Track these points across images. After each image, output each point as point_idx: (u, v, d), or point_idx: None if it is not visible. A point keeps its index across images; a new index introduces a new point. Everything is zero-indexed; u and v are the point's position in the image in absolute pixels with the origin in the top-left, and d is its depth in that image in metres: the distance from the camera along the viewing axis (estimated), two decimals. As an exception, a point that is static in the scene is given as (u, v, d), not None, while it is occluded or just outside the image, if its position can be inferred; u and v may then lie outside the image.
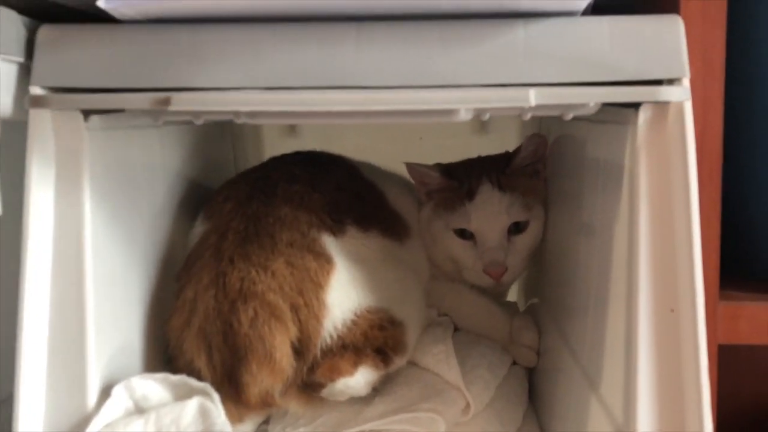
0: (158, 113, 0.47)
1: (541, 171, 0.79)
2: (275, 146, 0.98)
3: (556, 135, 0.78)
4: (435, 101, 0.45)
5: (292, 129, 1.00)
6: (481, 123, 1.01)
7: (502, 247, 0.75)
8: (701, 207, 0.48)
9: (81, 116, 0.50)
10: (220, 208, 0.65)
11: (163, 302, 0.63)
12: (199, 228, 0.67)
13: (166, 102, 0.43)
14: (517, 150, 0.79)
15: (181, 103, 0.43)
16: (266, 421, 0.67)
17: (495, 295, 0.82)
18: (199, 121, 0.50)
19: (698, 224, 0.48)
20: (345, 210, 0.67)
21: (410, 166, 0.79)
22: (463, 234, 0.76)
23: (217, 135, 0.87)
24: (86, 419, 0.48)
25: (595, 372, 0.57)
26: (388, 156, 0.84)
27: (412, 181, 0.82)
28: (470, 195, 0.76)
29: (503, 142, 0.95)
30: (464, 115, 0.46)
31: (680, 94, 0.46)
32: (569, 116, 0.51)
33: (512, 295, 0.93)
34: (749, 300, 0.54)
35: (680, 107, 0.48)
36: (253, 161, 0.97)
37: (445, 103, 0.45)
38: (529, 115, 0.50)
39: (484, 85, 0.47)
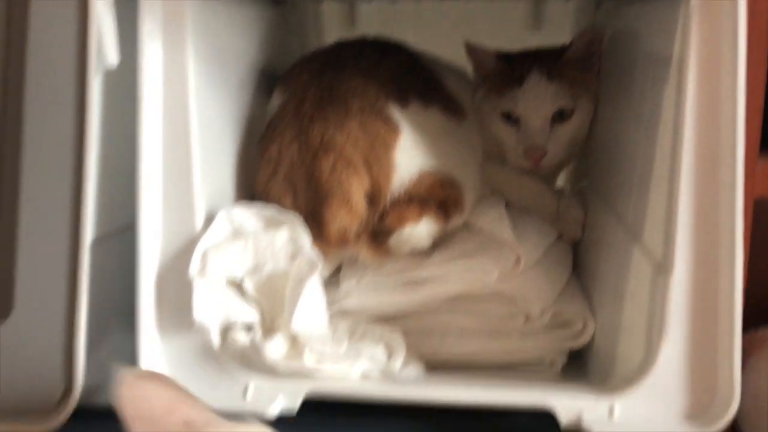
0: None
1: (595, 64, 0.83)
2: (335, 36, 1.03)
3: (611, 31, 0.81)
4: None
5: (351, 19, 1.04)
6: (534, 18, 1.04)
7: (544, 132, 0.80)
8: (748, 77, 0.52)
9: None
10: (296, 80, 0.72)
11: (246, 163, 0.71)
12: (276, 100, 0.74)
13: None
14: (571, 42, 0.82)
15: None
16: (338, 271, 0.76)
17: (543, 180, 0.88)
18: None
19: (744, 91, 0.52)
20: (408, 86, 0.73)
21: (469, 46, 0.83)
22: (510, 118, 0.81)
23: (283, 24, 0.92)
24: (195, 239, 0.56)
25: (639, 226, 0.63)
26: (442, 51, 0.89)
27: (468, 69, 0.87)
28: (520, 80, 0.81)
29: (557, 37, 0.98)
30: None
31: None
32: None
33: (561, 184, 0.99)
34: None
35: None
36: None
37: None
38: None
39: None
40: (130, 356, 0.58)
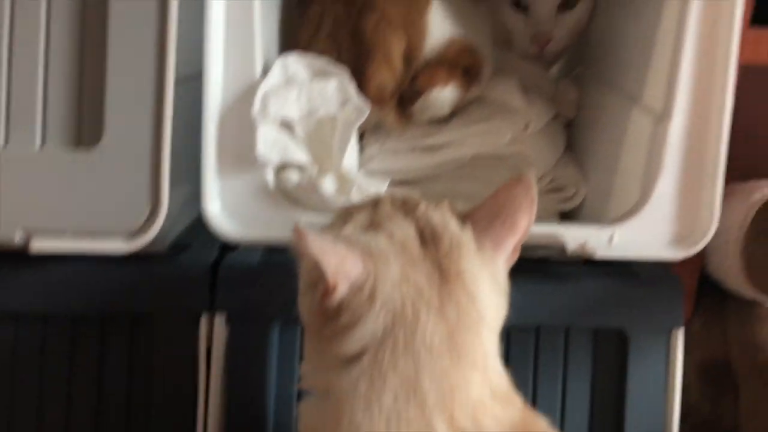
0: None
1: None
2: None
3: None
4: None
5: None
6: None
7: (550, 20, 0.87)
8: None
9: None
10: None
11: (287, 20, 0.76)
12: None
13: None
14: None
15: None
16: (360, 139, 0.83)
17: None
18: None
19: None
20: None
21: None
22: (519, 4, 0.88)
23: None
24: (254, 84, 0.62)
25: (639, 89, 0.71)
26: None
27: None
28: None
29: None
30: None
31: None
32: None
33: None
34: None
35: None
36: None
37: None
38: None
39: None
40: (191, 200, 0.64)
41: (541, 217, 0.80)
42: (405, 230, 0.48)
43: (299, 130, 0.65)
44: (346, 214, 0.51)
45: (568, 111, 0.91)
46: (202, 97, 0.61)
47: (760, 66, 0.67)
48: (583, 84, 0.93)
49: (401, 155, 0.80)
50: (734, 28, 0.61)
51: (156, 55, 0.56)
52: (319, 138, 0.66)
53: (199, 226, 0.65)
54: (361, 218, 0.50)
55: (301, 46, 0.73)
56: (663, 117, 0.64)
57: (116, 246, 0.59)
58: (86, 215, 0.59)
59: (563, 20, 0.87)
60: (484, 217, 0.50)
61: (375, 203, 0.52)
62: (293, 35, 0.75)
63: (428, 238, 0.48)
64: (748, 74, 0.69)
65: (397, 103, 0.76)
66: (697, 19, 0.61)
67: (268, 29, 0.69)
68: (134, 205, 0.58)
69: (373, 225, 0.49)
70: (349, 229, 0.49)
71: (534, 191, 0.50)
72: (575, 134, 0.92)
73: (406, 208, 0.51)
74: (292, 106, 0.63)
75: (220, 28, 0.61)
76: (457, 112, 0.80)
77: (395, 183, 0.80)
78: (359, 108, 0.64)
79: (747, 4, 0.64)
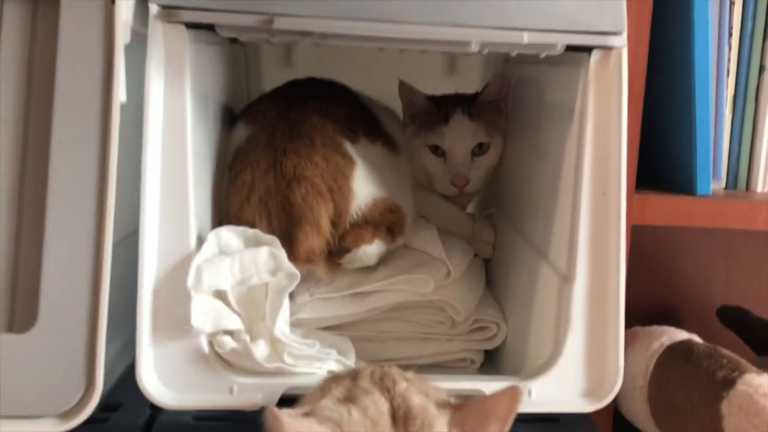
0: (257, 31, 0.63)
1: (503, 108, 0.99)
2: (272, 74, 1.14)
3: (517, 77, 0.98)
4: (456, 34, 0.64)
5: (287, 59, 1.15)
6: (450, 66, 1.21)
7: (466, 164, 0.96)
8: (628, 125, 0.70)
9: (185, 29, 0.65)
10: (264, 115, 0.82)
11: (218, 187, 0.80)
12: (241, 132, 0.84)
13: (270, 22, 0.60)
14: (485, 87, 0.99)
15: (282, 23, 0.60)
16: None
17: (459, 206, 1.03)
18: (274, 39, 0.66)
19: (626, 137, 0.69)
20: (357, 124, 0.86)
21: (402, 84, 0.98)
22: (437, 151, 0.96)
23: (234, 63, 1.02)
24: (190, 255, 0.65)
25: (545, 245, 0.79)
26: (371, 90, 1.02)
27: (397, 107, 1.01)
28: (445, 119, 0.96)
29: (468, 83, 1.15)
30: (474, 47, 0.65)
31: (620, 42, 0.67)
32: (543, 54, 0.71)
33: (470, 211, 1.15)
34: (655, 194, 0.77)
35: (619, 53, 0.68)
36: (255, 85, 1.13)
37: (463, 36, 0.64)
38: (515, 52, 0.69)
39: (489, 27, 0.66)
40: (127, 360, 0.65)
41: (465, 359, 0.87)
42: (379, 406, 0.50)
43: (232, 297, 0.67)
44: (325, 386, 0.54)
45: (484, 252, 0.98)
46: (138, 269, 0.63)
47: (648, 226, 0.76)
48: (497, 223, 1.01)
49: (332, 303, 0.83)
50: (621, 195, 0.70)
51: (93, 255, 0.58)
52: (252, 304, 0.68)
53: (129, 378, 0.65)
54: (338, 391, 0.52)
55: (233, 211, 0.77)
56: (568, 278, 0.70)
57: (49, 428, 0.58)
58: (19, 397, 0.58)
59: (478, 164, 0.96)
60: (468, 413, 0.52)
61: (354, 375, 0.54)
62: (226, 199, 0.79)
63: (401, 418, 0.50)
64: (639, 233, 0.78)
65: (327, 256, 0.80)
66: (589, 188, 0.70)
67: (202, 198, 0.73)
68: (68, 386, 0.59)
69: (350, 398, 0.51)
70: (325, 402, 0.51)
71: (518, 403, 0.52)
72: (493, 271, 0.98)
73: (384, 384, 0.53)
74: (225, 276, 0.65)
75: (155, 204, 0.64)
76: (383, 260, 0.85)
77: (326, 328, 0.83)
78: (290, 275, 0.67)
79: (630, 171, 0.73)
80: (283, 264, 0.67)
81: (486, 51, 0.69)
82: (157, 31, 0.64)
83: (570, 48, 0.70)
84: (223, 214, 0.79)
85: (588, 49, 0.69)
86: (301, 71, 1.00)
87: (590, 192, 0.70)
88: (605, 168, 0.70)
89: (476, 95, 1.00)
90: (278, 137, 0.78)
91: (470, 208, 1.13)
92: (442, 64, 1.20)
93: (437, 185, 0.98)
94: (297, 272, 0.68)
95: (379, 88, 1.03)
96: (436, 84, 1.16)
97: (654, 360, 0.74)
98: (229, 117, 0.89)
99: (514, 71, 0.99)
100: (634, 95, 0.73)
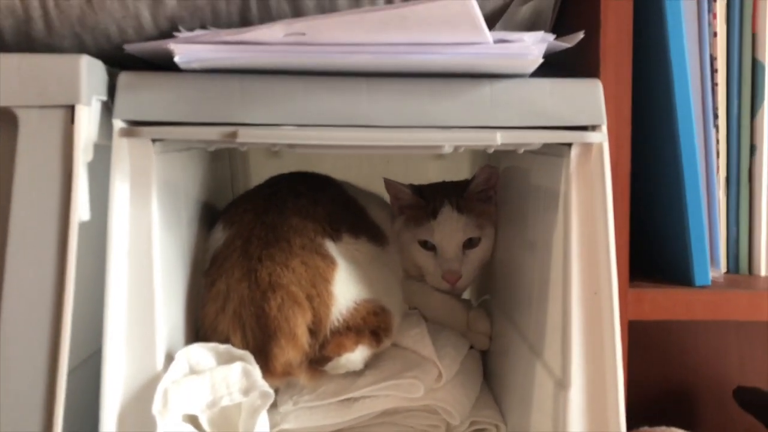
0: (221, 143, 0.61)
1: (492, 197, 0.97)
2: (260, 166, 1.13)
3: (505, 166, 0.96)
4: (427, 139, 0.62)
5: (275, 153, 1.15)
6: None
7: (458, 258, 0.92)
8: (615, 219, 0.67)
9: (150, 143, 0.64)
10: (241, 217, 0.80)
11: (194, 294, 0.77)
12: (219, 234, 0.81)
13: (234, 135, 0.58)
14: (473, 178, 0.97)
15: (246, 136, 0.58)
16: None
17: (453, 295, 0.99)
18: (244, 148, 0.65)
19: (613, 231, 0.66)
20: (340, 220, 0.83)
21: (387, 182, 0.95)
22: (426, 245, 0.93)
23: (217, 158, 1.01)
24: (157, 377, 0.61)
25: (539, 344, 0.74)
26: (359, 178, 1.00)
27: (386, 198, 0.99)
28: (434, 213, 0.93)
29: (457, 168, 1.14)
30: (447, 149, 0.63)
31: (599, 137, 0.65)
32: (521, 150, 0.69)
33: (466, 295, 1.11)
34: (651, 287, 0.73)
35: (600, 146, 0.66)
36: (242, 179, 1.12)
37: (435, 141, 0.62)
38: (492, 150, 0.67)
39: (462, 127, 0.64)
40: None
41: None
42: None
43: (204, 420, 0.63)
44: None
45: (480, 344, 0.94)
46: (100, 394, 0.60)
47: (645, 321, 0.72)
48: (493, 311, 0.97)
49: (317, 412, 0.79)
50: (613, 293, 0.66)
51: (46, 386, 0.55)
52: (226, 425, 0.64)
53: None
54: None
55: (208, 321, 0.74)
56: (564, 384, 0.66)
57: None
58: None
59: (469, 257, 0.93)
60: None
61: None
62: (201, 308, 0.76)
63: None
64: (635, 330, 0.73)
65: (309, 364, 0.76)
66: (579, 286, 0.66)
67: (174, 310, 0.70)
68: None
69: None
70: None
71: None
72: (491, 363, 0.94)
73: None
74: (194, 399, 0.62)
75: (119, 324, 0.61)
76: (370, 363, 0.81)
77: (313, 437, 0.79)
78: (264, 395, 0.64)
79: (621, 264, 0.70)
80: (257, 382, 0.63)
81: (462, 149, 0.67)
82: (121, 147, 0.62)
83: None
84: (198, 324, 0.76)
85: (568, 143, 0.67)
86: (289, 162, 0.99)
87: (580, 291, 0.66)
88: (594, 264, 0.66)
89: (465, 184, 0.97)
90: (254, 243, 0.75)
91: (466, 294, 1.10)
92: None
93: (429, 279, 0.94)
94: (271, 391, 0.64)
95: (369, 174, 1.01)
96: (425, 169, 1.15)
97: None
98: (211, 216, 0.87)
99: (502, 160, 0.98)
100: (620, 186, 0.70)
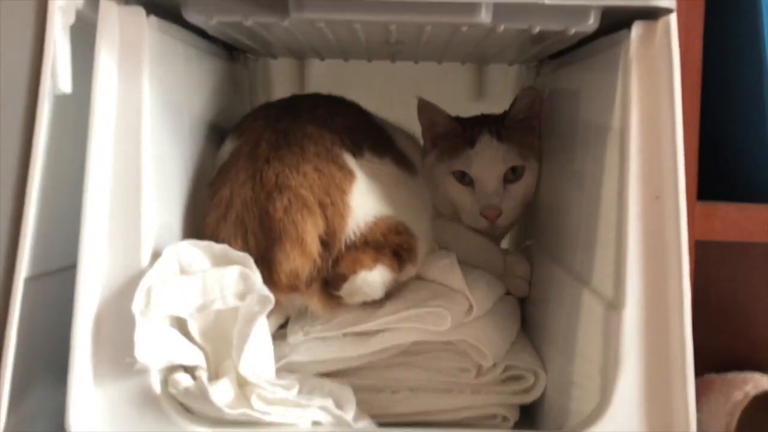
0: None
1: (535, 127, 0.87)
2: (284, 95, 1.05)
3: (549, 90, 0.86)
4: None
5: (300, 79, 1.06)
6: (477, 89, 1.10)
7: (498, 193, 0.82)
8: (684, 116, 0.56)
9: (143, 12, 0.56)
10: (251, 125, 0.72)
11: (197, 204, 0.69)
12: (228, 146, 0.73)
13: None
14: (513, 102, 0.87)
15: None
16: (284, 325, 0.73)
17: (489, 237, 0.89)
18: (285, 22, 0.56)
19: (681, 126, 0.55)
20: (362, 137, 0.74)
21: (422, 103, 0.86)
22: (463, 179, 0.84)
23: (234, 80, 0.93)
24: (141, 274, 0.53)
25: (587, 272, 0.64)
26: (392, 116, 0.91)
27: (417, 132, 0.89)
28: (471, 142, 0.84)
29: (497, 110, 1.04)
30: (485, 15, 0.54)
31: (668, 2, 0.54)
32: (572, 30, 0.58)
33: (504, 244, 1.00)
34: (723, 203, 0.62)
35: (667, 25, 0.56)
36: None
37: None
38: (537, 27, 0.57)
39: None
40: (59, 408, 0.53)
41: (496, 416, 0.71)
42: None
43: (194, 326, 0.55)
44: None
45: (518, 289, 0.84)
46: (75, 289, 0.52)
47: (713, 244, 0.61)
48: (533, 258, 0.86)
49: (330, 343, 0.70)
50: (680, 198, 0.55)
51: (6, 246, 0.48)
52: (220, 337, 0.56)
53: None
54: None
55: (209, 231, 0.66)
56: (615, 305, 0.55)
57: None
58: None
59: (511, 192, 0.83)
60: None
61: None
62: (203, 219, 0.68)
63: None
64: (706, 250, 0.62)
65: (322, 286, 0.67)
66: (638, 190, 0.56)
67: (168, 212, 0.62)
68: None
69: None
70: None
71: None
72: (530, 311, 0.83)
73: None
74: (183, 299, 0.54)
75: (101, 209, 0.54)
76: (392, 293, 0.72)
77: (325, 374, 0.69)
78: (262, 299, 0.55)
79: (690, 174, 0.59)
80: (255, 285, 0.55)
81: (501, 27, 0.57)
82: (109, 11, 0.55)
83: (604, 31, 0.58)
84: (200, 236, 0.68)
85: (628, 24, 0.57)
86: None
87: (639, 194, 0.56)
88: (657, 164, 0.56)
89: (505, 114, 0.88)
90: (262, 147, 0.67)
91: (504, 243, 1.00)
92: (469, 85, 1.09)
93: (465, 218, 0.84)
94: (270, 295, 0.55)
95: (401, 112, 0.92)
96: (463, 111, 1.05)
97: (737, 414, 0.57)
98: (220, 138, 0.79)
99: (546, 82, 0.87)
100: (690, 78, 0.60)
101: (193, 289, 0.54)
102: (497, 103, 1.04)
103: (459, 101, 1.08)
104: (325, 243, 0.64)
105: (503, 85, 1.06)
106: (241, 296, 0.54)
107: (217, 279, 0.54)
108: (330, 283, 0.67)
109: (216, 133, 0.79)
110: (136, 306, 0.51)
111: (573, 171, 0.73)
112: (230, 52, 0.88)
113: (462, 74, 1.08)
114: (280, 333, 0.72)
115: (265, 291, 0.55)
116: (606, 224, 0.60)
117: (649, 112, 0.56)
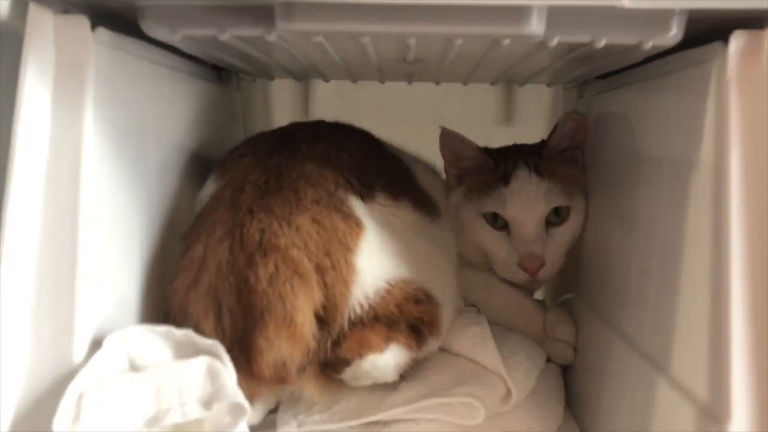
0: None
1: (579, 158, 0.73)
2: (287, 122, 0.92)
3: (596, 114, 0.72)
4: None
5: (304, 102, 0.93)
6: (506, 112, 0.96)
7: (540, 239, 0.68)
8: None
9: (88, 23, 0.43)
10: (237, 162, 0.58)
11: (166, 264, 0.55)
12: (210, 187, 0.60)
13: None
14: (554, 129, 0.73)
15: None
16: (274, 410, 0.59)
17: (526, 292, 0.75)
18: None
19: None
20: (373, 175, 0.61)
21: (445, 133, 0.72)
22: (496, 222, 0.70)
23: (226, 104, 0.80)
24: (73, 372, 0.40)
25: (662, 352, 0.49)
26: (409, 146, 0.78)
27: (439, 168, 0.76)
28: (505, 179, 0.70)
29: (529, 135, 0.90)
30: (536, 25, 0.40)
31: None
32: (648, 45, 0.44)
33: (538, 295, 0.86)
34: None
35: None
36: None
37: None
38: (603, 42, 0.43)
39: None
40: None
41: None
42: None
43: (142, 443, 0.41)
44: None
45: (562, 356, 0.70)
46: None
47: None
48: (576, 314, 0.72)
49: (330, 437, 0.55)
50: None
51: None
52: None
53: None
54: None
55: (176, 302, 0.51)
56: (715, 415, 0.41)
57: None
58: None
59: (555, 238, 0.69)
60: None
61: None
62: (170, 283, 0.53)
63: None
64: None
65: (319, 369, 0.53)
66: (744, 258, 0.41)
67: (120, 281, 0.48)
68: None
69: None
70: None
71: None
72: (576, 383, 0.69)
73: None
74: (127, 411, 0.39)
75: (21, 281, 0.40)
76: (409, 372, 0.57)
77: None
78: (236, 408, 0.40)
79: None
80: (225, 389, 0.41)
81: (555, 40, 0.43)
82: (40, 20, 0.42)
83: (688, 43, 0.44)
84: (167, 305, 0.53)
85: (719, 34, 0.43)
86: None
87: (746, 257, 0.41)
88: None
89: (543, 144, 0.74)
90: (246, 191, 0.53)
91: (539, 294, 0.85)
92: (496, 108, 0.95)
93: (499, 269, 0.70)
94: (245, 403, 0.41)
95: (420, 143, 0.78)
96: (489, 138, 0.92)
97: None
98: (206, 172, 0.66)
99: (592, 106, 0.73)
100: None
101: (142, 395, 0.40)
102: (529, 129, 0.91)
103: (484, 126, 0.95)
104: (323, 320, 0.50)
105: (536, 108, 0.92)
106: (207, 403, 0.40)
107: (175, 379, 0.40)
108: (329, 365, 0.52)
109: (200, 166, 0.66)
110: (59, 422, 0.37)
111: (632, 212, 0.59)
112: (218, 72, 0.75)
113: (489, 95, 0.94)
114: (268, 420, 0.58)
115: (239, 397, 0.41)
116: (690, 293, 0.46)
117: (756, 147, 0.42)
